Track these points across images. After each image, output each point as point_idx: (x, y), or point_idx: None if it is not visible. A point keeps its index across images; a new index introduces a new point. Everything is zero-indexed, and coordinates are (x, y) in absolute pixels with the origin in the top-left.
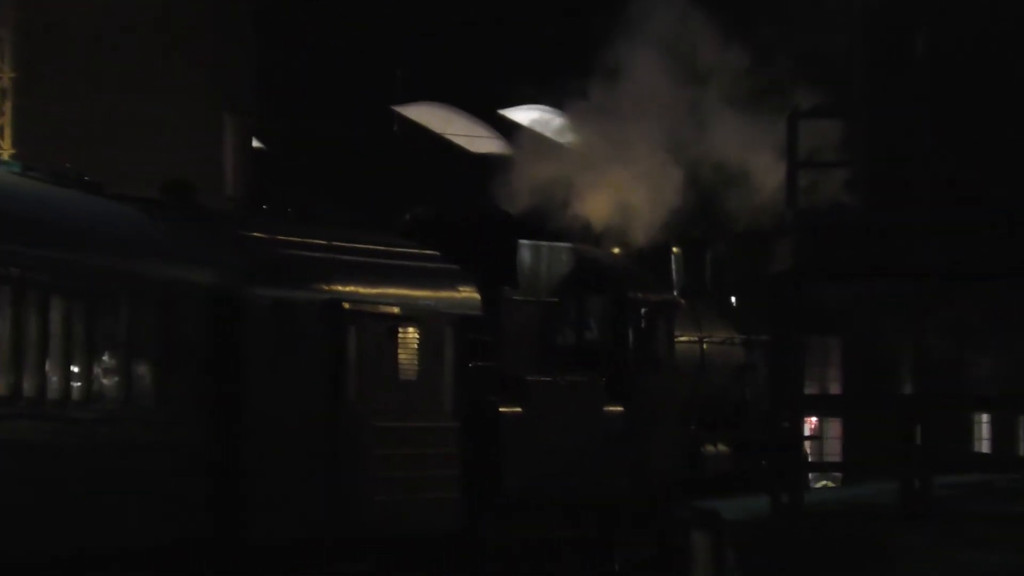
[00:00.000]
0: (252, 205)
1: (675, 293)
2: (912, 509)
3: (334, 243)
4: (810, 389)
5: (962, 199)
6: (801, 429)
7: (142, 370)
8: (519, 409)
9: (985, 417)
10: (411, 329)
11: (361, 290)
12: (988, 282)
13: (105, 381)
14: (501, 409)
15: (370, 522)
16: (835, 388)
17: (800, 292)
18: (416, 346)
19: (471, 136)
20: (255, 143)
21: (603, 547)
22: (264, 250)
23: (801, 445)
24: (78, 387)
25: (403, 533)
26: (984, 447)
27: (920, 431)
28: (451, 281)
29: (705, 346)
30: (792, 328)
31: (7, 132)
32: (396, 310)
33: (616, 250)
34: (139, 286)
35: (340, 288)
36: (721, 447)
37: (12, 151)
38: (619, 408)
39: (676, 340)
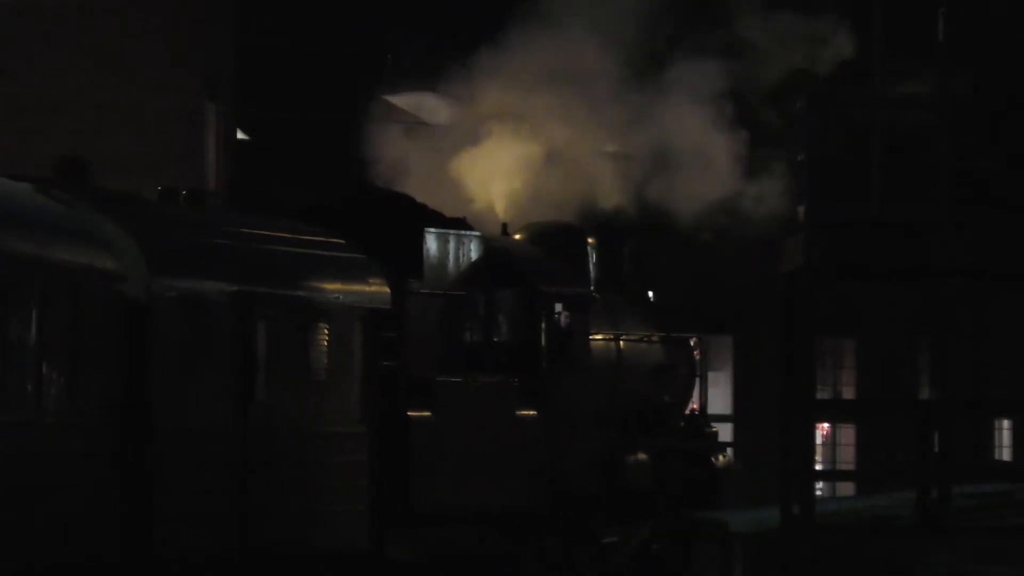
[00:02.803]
0: (233, 196)
1: (591, 287)
2: (930, 520)
3: (242, 231)
4: (823, 394)
5: (983, 196)
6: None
7: (54, 368)
8: (428, 413)
9: (1006, 423)
10: (321, 324)
11: (271, 282)
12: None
13: (17, 381)
14: (410, 413)
15: (278, 537)
16: (849, 393)
17: (812, 292)
18: (326, 343)
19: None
20: (239, 134)
21: (514, 563)
22: (169, 238)
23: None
24: None
25: (311, 549)
26: (1005, 455)
27: (938, 438)
28: (360, 272)
29: (622, 344)
30: (804, 329)
31: None
32: (307, 304)
33: (518, 236)
34: (50, 274)
35: (249, 280)
36: (641, 455)
37: None
38: (532, 412)
39: (591, 338)
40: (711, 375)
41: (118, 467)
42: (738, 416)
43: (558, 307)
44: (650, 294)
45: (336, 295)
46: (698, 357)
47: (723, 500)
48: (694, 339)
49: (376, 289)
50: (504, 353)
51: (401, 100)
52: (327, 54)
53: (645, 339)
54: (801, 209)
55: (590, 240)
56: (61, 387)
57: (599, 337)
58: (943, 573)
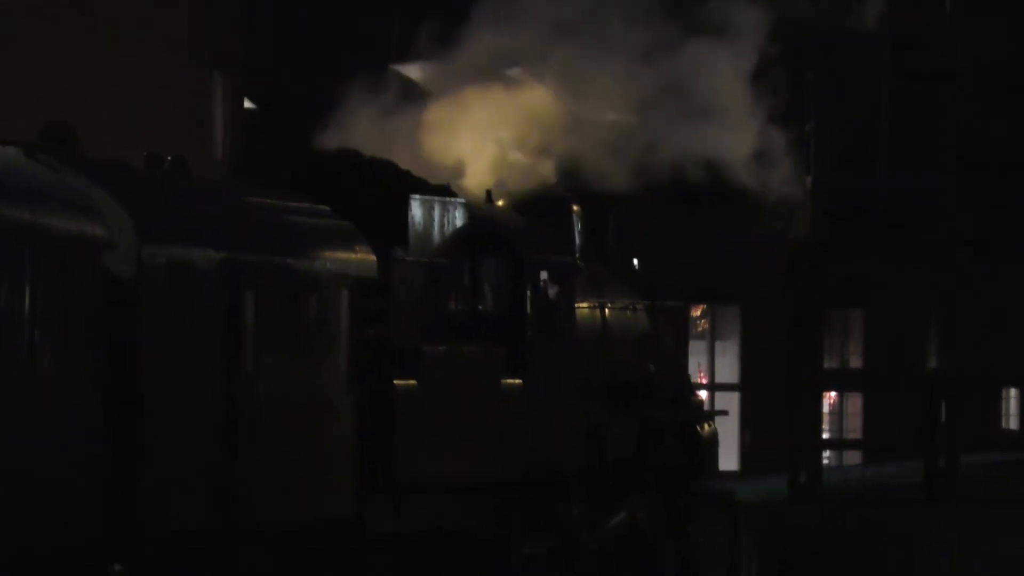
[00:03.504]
0: (241, 167)
1: (576, 255)
2: (937, 490)
3: (229, 199)
4: (830, 363)
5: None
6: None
7: (45, 338)
8: (414, 383)
9: (1013, 393)
10: (309, 293)
11: (259, 250)
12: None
13: (8, 351)
14: (396, 382)
15: (265, 508)
16: (856, 362)
17: (820, 264)
18: (314, 312)
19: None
20: (247, 103)
21: (499, 536)
22: (157, 205)
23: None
24: None
25: (297, 520)
26: (1012, 424)
27: (945, 408)
28: (346, 240)
29: (607, 313)
30: (811, 300)
31: None
32: (294, 273)
33: (501, 202)
34: (42, 241)
35: (237, 248)
36: (626, 425)
37: None
38: (518, 382)
39: (576, 306)
40: (718, 344)
41: (106, 439)
42: (745, 386)
43: (543, 275)
44: (635, 262)
45: (323, 263)
46: (706, 326)
47: (708, 470)
48: (701, 307)
49: (362, 257)
50: (489, 322)
51: (411, 70)
52: (337, 23)
53: (630, 308)
54: (808, 179)
55: (575, 208)
56: (52, 357)
57: (584, 306)
58: (950, 542)
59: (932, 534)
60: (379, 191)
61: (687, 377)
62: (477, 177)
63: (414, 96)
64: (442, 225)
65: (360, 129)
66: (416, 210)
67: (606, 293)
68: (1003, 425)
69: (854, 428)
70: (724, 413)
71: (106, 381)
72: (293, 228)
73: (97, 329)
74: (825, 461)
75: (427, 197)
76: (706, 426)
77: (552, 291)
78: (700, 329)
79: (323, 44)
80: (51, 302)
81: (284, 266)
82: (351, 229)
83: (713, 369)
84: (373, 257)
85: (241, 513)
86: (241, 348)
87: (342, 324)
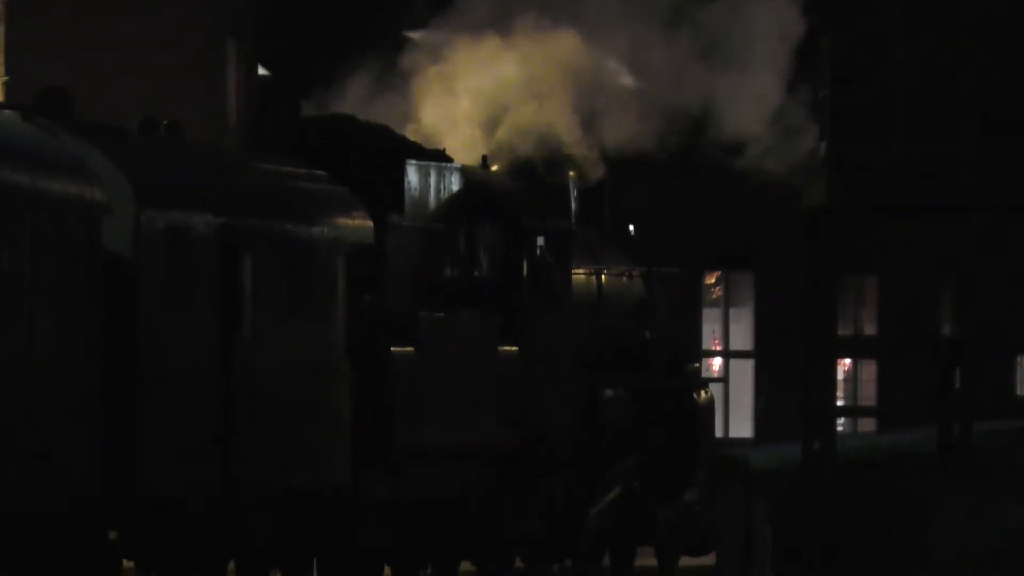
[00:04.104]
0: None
1: (572, 221)
2: (951, 457)
3: (226, 164)
4: (844, 331)
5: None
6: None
7: (45, 302)
8: (411, 350)
9: None
10: (306, 259)
11: (256, 215)
12: None
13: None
14: (393, 349)
15: (262, 474)
16: (871, 330)
17: (834, 230)
18: (311, 278)
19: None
20: (260, 70)
21: (493, 504)
22: (156, 171)
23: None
24: None
25: (294, 487)
26: None
27: (960, 374)
28: (343, 206)
29: (603, 279)
30: (826, 267)
31: (0, 59)
32: (291, 238)
33: (495, 167)
34: (42, 207)
35: (234, 213)
36: (622, 392)
37: (5, 78)
38: (514, 349)
39: (572, 273)
40: (732, 311)
41: (105, 403)
42: (760, 353)
43: (539, 241)
44: (631, 228)
45: (320, 229)
46: (720, 294)
47: (705, 437)
48: (716, 275)
49: (359, 223)
50: (485, 288)
51: (425, 37)
52: None
53: (626, 274)
54: (823, 145)
55: (571, 173)
56: (52, 323)
57: (580, 272)
58: (965, 510)
59: (946, 500)
60: (375, 156)
61: (683, 344)
62: (475, 141)
63: (424, 62)
64: (438, 191)
65: (366, 95)
66: (412, 175)
67: (602, 260)
68: (1017, 392)
69: (868, 395)
70: (720, 380)
71: (105, 347)
72: (290, 194)
73: (96, 295)
74: (839, 428)
75: (423, 163)
76: (702, 393)
77: (548, 256)
78: (714, 296)
79: (335, 9)
80: (51, 268)
81: (281, 232)
82: (347, 195)
83: (727, 336)
84: (370, 223)
85: (239, 478)
86: (239, 314)
87: (338, 291)
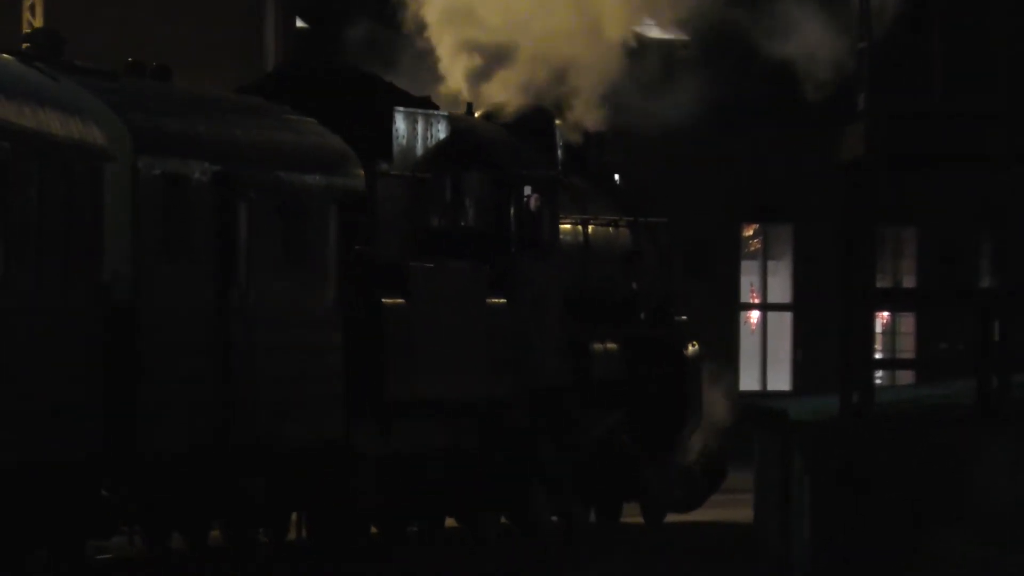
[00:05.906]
0: None
1: (559, 169)
2: (990, 410)
3: (219, 109)
4: (883, 283)
5: None
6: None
7: (51, 247)
8: (402, 300)
9: None
10: (299, 206)
11: (250, 162)
12: None
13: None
14: (384, 300)
15: (258, 426)
16: (909, 281)
17: (873, 181)
18: (303, 227)
19: None
20: (298, 22)
21: (484, 456)
22: (152, 115)
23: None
24: None
25: (288, 439)
26: None
27: (998, 327)
28: (333, 154)
29: (590, 229)
30: (863, 219)
31: (39, 10)
32: (285, 186)
33: (478, 113)
34: (48, 150)
35: (229, 160)
36: (609, 345)
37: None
38: (502, 300)
39: (560, 222)
40: (770, 264)
41: (106, 354)
42: (798, 305)
43: (527, 190)
44: (616, 177)
45: (312, 177)
46: (758, 246)
47: (692, 390)
48: (754, 227)
49: (350, 172)
50: (472, 237)
51: None
52: None
53: (613, 224)
54: (862, 97)
55: (557, 122)
56: (56, 270)
57: (567, 222)
58: (1004, 462)
59: (985, 453)
60: (363, 103)
61: (672, 295)
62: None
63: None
64: (425, 139)
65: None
66: (400, 123)
67: (589, 209)
68: None
69: (907, 348)
70: (701, 335)
71: (106, 296)
72: (282, 141)
73: (95, 242)
74: (878, 381)
75: (411, 110)
76: (691, 346)
77: (535, 205)
78: (752, 248)
79: None
80: (57, 215)
81: (275, 179)
82: (337, 142)
83: (766, 289)
84: (361, 171)
85: (235, 430)
86: (234, 262)
87: (331, 240)
